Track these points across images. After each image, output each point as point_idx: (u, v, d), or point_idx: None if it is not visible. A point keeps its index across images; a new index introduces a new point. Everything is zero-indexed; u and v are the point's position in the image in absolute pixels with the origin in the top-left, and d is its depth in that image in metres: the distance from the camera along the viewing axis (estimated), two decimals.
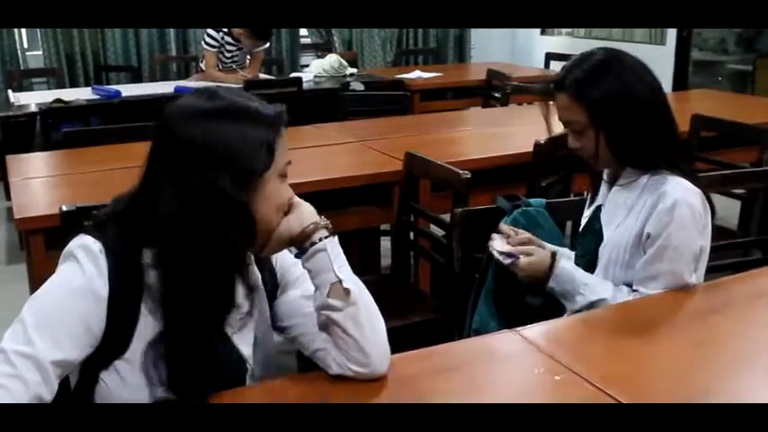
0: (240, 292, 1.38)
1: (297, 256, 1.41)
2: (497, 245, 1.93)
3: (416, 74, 5.85)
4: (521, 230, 2.00)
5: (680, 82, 6.68)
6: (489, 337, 1.69)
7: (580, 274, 1.87)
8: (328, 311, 1.37)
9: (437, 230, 2.76)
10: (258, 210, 1.31)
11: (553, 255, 1.90)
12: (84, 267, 1.25)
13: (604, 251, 1.86)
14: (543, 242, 2.01)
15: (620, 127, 1.78)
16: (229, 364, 1.39)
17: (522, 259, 1.88)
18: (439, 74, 5.96)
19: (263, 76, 5.71)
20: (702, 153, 3.45)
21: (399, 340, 1.44)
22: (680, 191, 1.75)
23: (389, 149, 3.20)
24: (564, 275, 1.86)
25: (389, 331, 1.41)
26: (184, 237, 1.26)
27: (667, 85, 6.53)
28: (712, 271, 2.17)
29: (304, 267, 1.40)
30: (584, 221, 1.99)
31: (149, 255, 1.29)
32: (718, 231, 3.18)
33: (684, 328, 1.65)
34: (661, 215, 1.75)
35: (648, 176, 1.81)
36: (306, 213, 1.39)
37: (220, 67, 5.38)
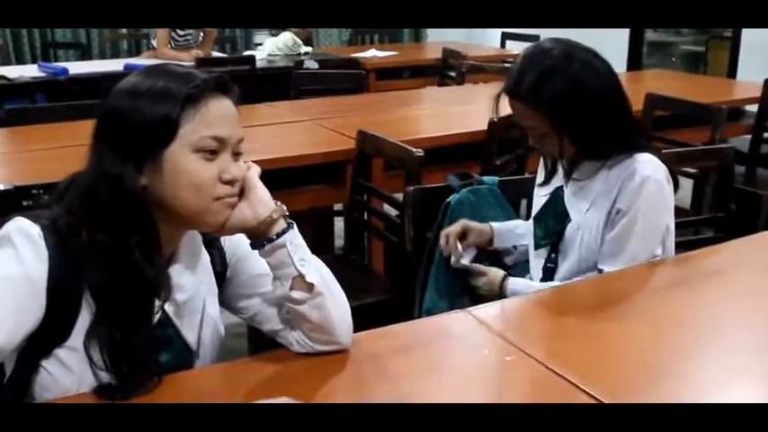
0: (182, 274, 1.33)
1: (253, 246, 1.34)
2: (461, 257, 1.98)
3: (372, 52, 5.80)
4: (451, 228, 2.01)
5: (634, 62, 6.73)
6: (441, 317, 1.66)
7: (527, 285, 1.89)
8: (291, 304, 1.33)
9: (391, 210, 2.72)
10: (161, 188, 1.23)
11: (505, 276, 1.92)
12: (20, 253, 1.18)
13: (576, 234, 1.84)
14: (476, 224, 2.03)
15: (581, 125, 1.76)
16: (174, 349, 1.34)
17: (479, 281, 1.94)
18: (395, 53, 5.92)
19: (215, 54, 5.61)
20: (656, 132, 3.47)
21: (353, 321, 1.41)
22: (649, 168, 1.75)
23: (343, 128, 3.15)
24: (515, 292, 1.87)
25: None
26: (88, 216, 1.22)
27: (621, 64, 6.55)
28: None
29: (262, 257, 1.34)
30: (540, 201, 1.97)
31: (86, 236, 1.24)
32: None
33: (637, 306, 1.64)
34: (631, 192, 1.75)
35: (608, 165, 1.80)
36: (259, 203, 1.29)
37: (173, 45, 5.28)
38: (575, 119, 1.75)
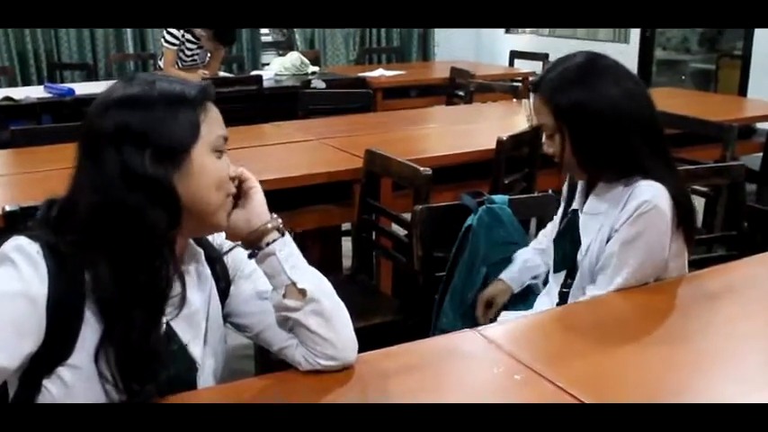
0: (190, 288, 1.34)
1: (249, 256, 1.38)
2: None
3: (379, 72, 5.82)
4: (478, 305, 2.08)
5: (644, 81, 6.73)
6: (450, 336, 1.66)
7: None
8: (286, 312, 1.35)
9: (399, 230, 2.73)
10: (188, 188, 1.27)
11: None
12: (20, 271, 1.19)
13: (584, 261, 1.84)
14: (495, 289, 2.07)
15: (584, 134, 1.77)
16: (178, 364, 1.34)
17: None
18: (402, 72, 5.95)
19: (222, 74, 5.65)
20: None
21: (359, 342, 1.41)
22: (649, 192, 1.73)
23: (350, 147, 3.16)
24: None
25: None
26: (107, 228, 1.22)
27: None
28: None
29: (259, 266, 1.38)
30: (559, 225, 1.97)
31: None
32: None
33: (648, 325, 1.63)
34: (626, 214, 1.74)
35: (623, 186, 1.79)
36: (254, 214, 1.35)
37: (180, 65, 5.32)
38: (579, 127, 1.76)
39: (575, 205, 1.92)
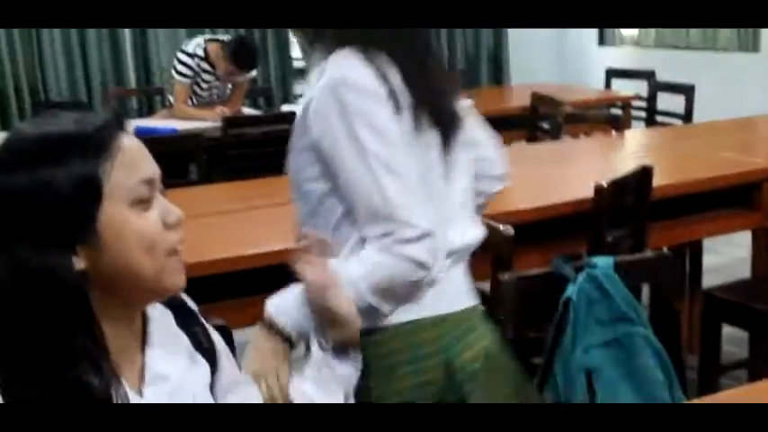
0: (161, 360, 1.31)
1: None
2: None
3: None
4: None
5: None
6: None
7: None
8: None
9: None
10: (112, 263, 1.21)
11: None
12: None
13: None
14: None
15: None
16: None
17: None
18: (469, 101, 5.95)
19: (247, 110, 5.72)
20: None
21: None
22: (335, 69, 1.64)
23: None
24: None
25: None
26: (14, 334, 1.16)
27: (761, 105, 6.43)
28: None
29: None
30: None
31: None
32: None
33: None
34: (314, 109, 1.65)
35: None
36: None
37: (194, 101, 5.42)
38: None
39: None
